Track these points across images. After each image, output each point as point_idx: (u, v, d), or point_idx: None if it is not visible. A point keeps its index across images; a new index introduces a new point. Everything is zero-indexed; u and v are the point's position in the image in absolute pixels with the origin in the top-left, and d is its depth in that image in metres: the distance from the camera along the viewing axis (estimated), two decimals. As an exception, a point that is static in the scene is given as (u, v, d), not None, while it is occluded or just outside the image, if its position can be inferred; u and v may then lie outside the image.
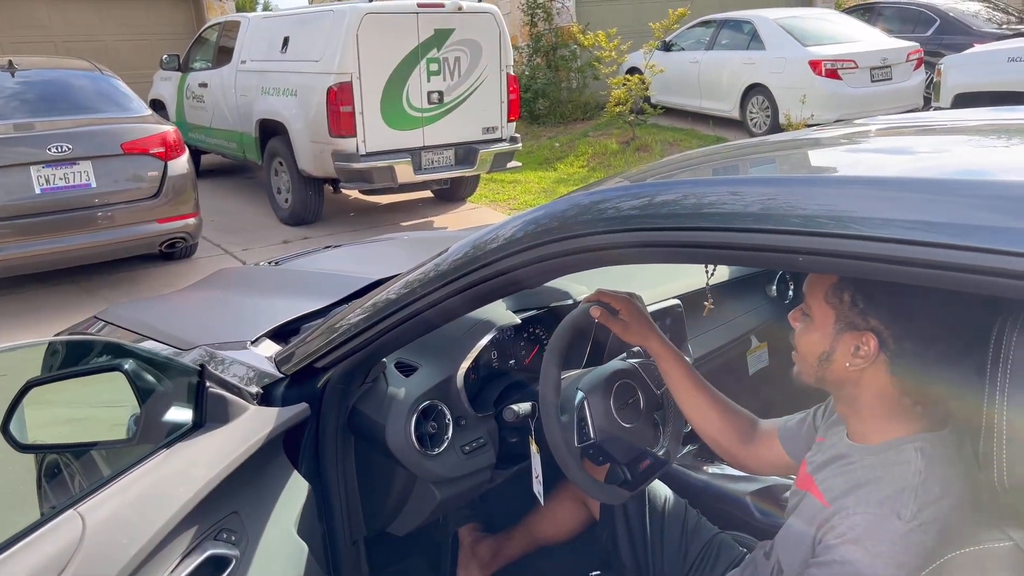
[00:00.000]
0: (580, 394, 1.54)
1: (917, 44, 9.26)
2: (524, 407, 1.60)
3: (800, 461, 1.41)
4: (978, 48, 7.88)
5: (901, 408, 1.18)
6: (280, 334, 1.91)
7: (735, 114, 9.81)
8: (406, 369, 1.66)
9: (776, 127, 9.05)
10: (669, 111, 10.34)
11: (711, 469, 1.91)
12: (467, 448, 1.64)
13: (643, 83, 9.51)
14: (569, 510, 1.86)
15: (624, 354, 1.76)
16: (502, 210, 7.75)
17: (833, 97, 8.65)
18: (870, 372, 1.17)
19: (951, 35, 9.76)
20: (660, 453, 1.64)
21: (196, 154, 8.82)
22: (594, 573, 1.67)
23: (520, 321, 1.76)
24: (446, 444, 1.61)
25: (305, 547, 1.39)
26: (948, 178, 0.99)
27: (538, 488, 1.65)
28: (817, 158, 1.36)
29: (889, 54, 8.96)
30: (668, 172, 1.48)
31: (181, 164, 5.51)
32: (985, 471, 1.03)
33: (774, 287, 2.52)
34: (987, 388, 1.02)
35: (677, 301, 2.11)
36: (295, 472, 1.46)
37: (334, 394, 1.56)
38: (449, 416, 1.63)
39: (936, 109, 7.27)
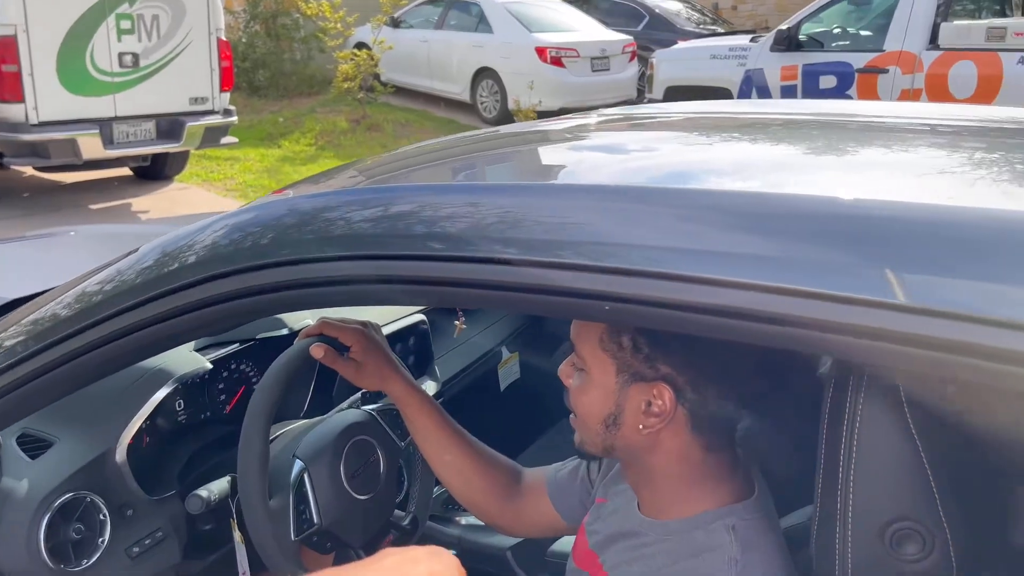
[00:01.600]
0: (298, 464, 1.14)
1: (631, 38, 9.77)
2: (218, 488, 1.17)
3: (574, 521, 1.14)
4: (684, 44, 8.44)
5: (706, 474, 0.94)
6: None
7: (466, 97, 9.72)
8: (35, 446, 1.15)
9: (506, 112, 9.08)
10: (401, 90, 10.00)
11: (463, 519, 1.60)
12: (136, 549, 1.17)
13: (372, 59, 9.08)
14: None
15: (357, 395, 1.38)
16: (218, 191, 6.94)
17: (558, 84, 8.85)
18: (668, 432, 0.91)
19: (658, 31, 10.43)
20: (406, 522, 1.29)
21: None
22: None
23: (211, 366, 1.31)
24: (101, 551, 1.13)
25: None
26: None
27: None
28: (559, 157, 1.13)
29: (607, 45, 9.36)
30: (402, 167, 1.17)
31: None
32: (821, 564, 0.81)
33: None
34: (823, 462, 0.80)
35: (421, 317, 1.77)
36: None
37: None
38: (104, 510, 1.15)
39: (650, 100, 7.66)
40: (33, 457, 1.13)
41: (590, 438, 0.96)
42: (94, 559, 1.12)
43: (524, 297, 0.76)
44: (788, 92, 6.78)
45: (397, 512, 1.30)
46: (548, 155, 1.17)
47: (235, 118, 6.30)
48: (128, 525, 1.18)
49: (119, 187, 6.63)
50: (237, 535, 1.20)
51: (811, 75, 6.62)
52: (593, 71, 9.20)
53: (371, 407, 1.30)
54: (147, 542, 1.18)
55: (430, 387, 1.77)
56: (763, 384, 0.89)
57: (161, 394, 1.21)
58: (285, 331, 1.45)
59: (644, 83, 8.59)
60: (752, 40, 7.18)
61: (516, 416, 2.13)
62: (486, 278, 0.75)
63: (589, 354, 0.93)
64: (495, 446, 1.89)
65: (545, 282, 0.72)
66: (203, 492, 1.14)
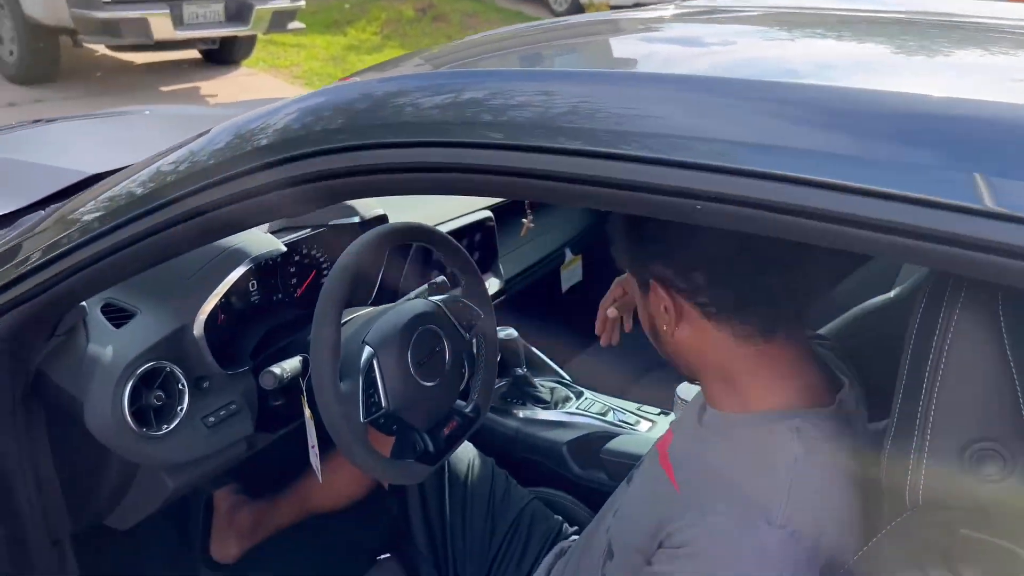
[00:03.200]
0: (367, 351, 1.17)
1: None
2: (290, 366, 1.20)
3: None
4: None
5: (758, 371, 0.92)
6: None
7: (539, -14, 9.39)
8: (118, 315, 1.19)
9: (577, 6, 8.75)
10: (470, -22, 9.70)
11: (521, 413, 1.63)
12: (212, 419, 1.23)
13: (441, -55, 8.80)
14: (349, 475, 1.51)
15: (424, 286, 1.40)
16: (284, 78, 6.91)
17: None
18: (691, 330, 0.92)
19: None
20: (468, 410, 1.32)
21: None
22: (383, 557, 1.36)
23: (285, 248, 1.33)
24: (179, 419, 1.18)
25: None
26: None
27: (315, 461, 1.28)
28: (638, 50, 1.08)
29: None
30: (473, 56, 1.13)
31: None
32: (892, 472, 0.80)
33: (590, 191, 2.24)
34: (906, 373, 0.78)
35: (488, 213, 1.76)
36: None
37: (2, 355, 1.08)
38: (183, 380, 1.20)
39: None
40: (117, 326, 1.17)
41: (658, 349, 0.99)
42: (173, 425, 1.17)
43: (588, 190, 0.74)
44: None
45: (460, 401, 1.33)
46: (622, 45, 1.12)
47: (303, 2, 6.21)
48: (204, 396, 1.23)
49: (188, 70, 6.66)
50: (307, 412, 1.24)
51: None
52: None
53: (439, 298, 1.31)
54: (222, 413, 1.24)
55: (493, 284, 1.78)
56: (751, 263, 0.86)
57: (237, 273, 1.24)
58: (356, 219, 1.46)
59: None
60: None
61: (576, 317, 2.14)
62: (549, 169, 0.74)
63: (624, 268, 0.99)
64: (554, 346, 1.91)
65: (606, 174, 0.71)
66: (276, 369, 1.17)
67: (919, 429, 0.75)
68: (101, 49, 6.53)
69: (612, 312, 1.31)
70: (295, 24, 6.21)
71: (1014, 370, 0.70)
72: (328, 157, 0.85)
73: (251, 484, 1.70)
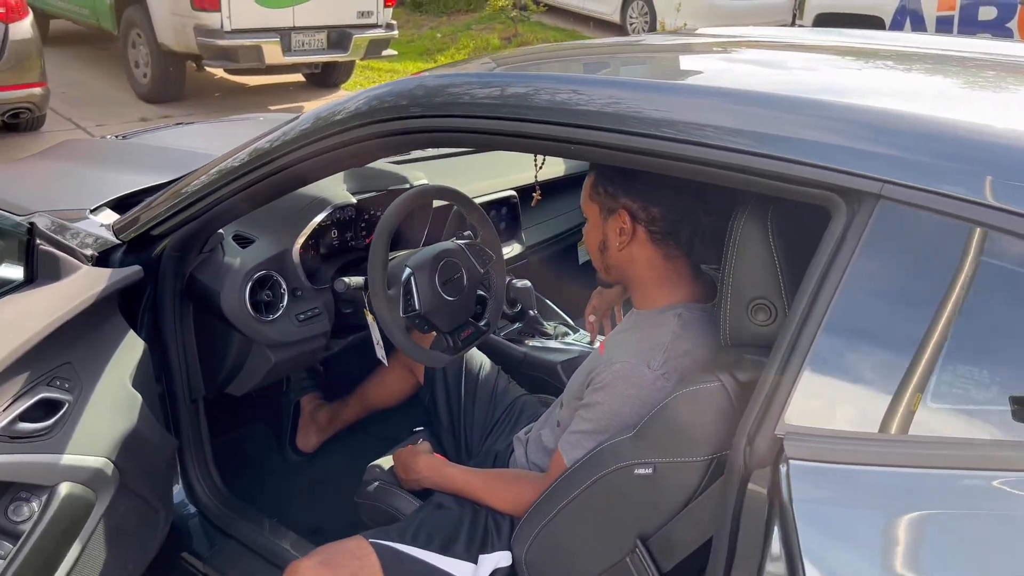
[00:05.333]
0: (407, 270, 1.69)
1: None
2: (356, 280, 1.74)
3: None
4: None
5: (668, 278, 1.39)
6: (122, 206, 1.94)
7: (616, 17, 9.89)
8: (243, 241, 1.75)
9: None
10: (552, 9, 10.30)
11: (530, 343, 2.13)
12: (302, 316, 1.77)
13: (527, -23, 9.43)
14: (397, 377, 2.04)
15: (454, 237, 1.91)
16: (377, 100, 7.64)
17: (707, 7, 8.84)
18: (637, 247, 1.38)
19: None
20: (481, 324, 1.82)
21: (44, 19, 8.14)
22: (417, 429, 1.87)
23: (356, 201, 1.88)
24: (280, 312, 1.73)
25: (139, 397, 1.50)
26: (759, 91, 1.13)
27: (380, 353, 1.79)
28: (670, 64, 1.52)
29: (762, -32, 9.20)
30: (527, 63, 1.58)
31: (24, 28, 5.12)
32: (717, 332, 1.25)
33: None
34: (724, 264, 1.23)
35: (512, 192, 2.27)
36: (131, 332, 1.55)
37: (170, 261, 1.64)
38: (284, 286, 1.75)
39: (799, 26, 7.61)
40: (243, 247, 1.74)
41: (598, 265, 1.46)
42: (277, 316, 1.72)
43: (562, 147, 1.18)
44: (944, 23, 6.60)
45: (475, 316, 1.83)
46: (614, 61, 1.58)
47: (396, 32, 6.92)
48: (298, 301, 1.78)
49: (293, 92, 7.46)
50: (369, 317, 1.77)
51: (971, 6, 6.42)
52: (746, -6, 9.10)
53: (461, 241, 1.82)
54: (308, 313, 1.78)
55: (515, 248, 2.29)
56: (689, 207, 1.32)
57: (322, 215, 1.79)
58: (407, 185, 2.00)
59: (797, 8, 8.47)
60: (910, -33, 6.96)
61: (590, 286, 2.61)
62: (542, 133, 1.18)
63: (586, 207, 1.43)
64: (565, 303, 2.38)
65: (572, 137, 1.16)
66: (346, 279, 1.72)
67: (724, 297, 1.21)
68: (219, 73, 7.40)
69: (593, 318, 1.83)
70: (388, 51, 6.92)
71: (774, 253, 1.16)
72: (385, 124, 1.33)
73: (327, 392, 2.25)
